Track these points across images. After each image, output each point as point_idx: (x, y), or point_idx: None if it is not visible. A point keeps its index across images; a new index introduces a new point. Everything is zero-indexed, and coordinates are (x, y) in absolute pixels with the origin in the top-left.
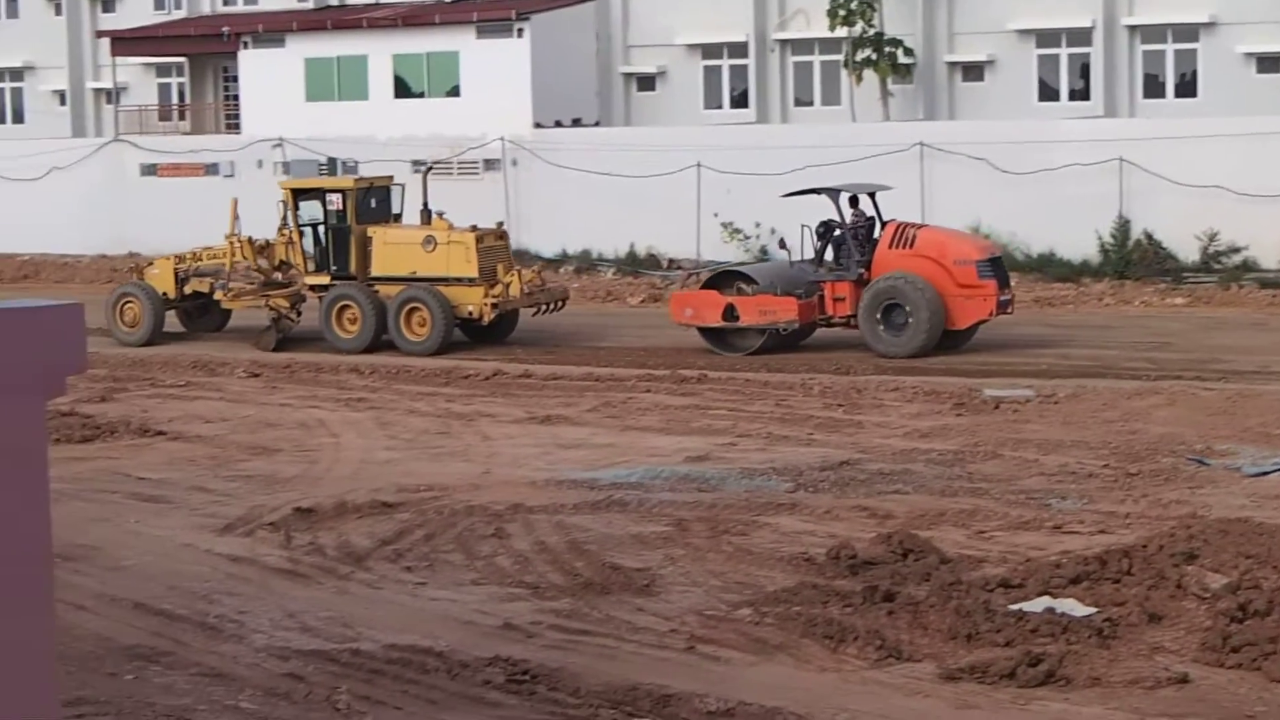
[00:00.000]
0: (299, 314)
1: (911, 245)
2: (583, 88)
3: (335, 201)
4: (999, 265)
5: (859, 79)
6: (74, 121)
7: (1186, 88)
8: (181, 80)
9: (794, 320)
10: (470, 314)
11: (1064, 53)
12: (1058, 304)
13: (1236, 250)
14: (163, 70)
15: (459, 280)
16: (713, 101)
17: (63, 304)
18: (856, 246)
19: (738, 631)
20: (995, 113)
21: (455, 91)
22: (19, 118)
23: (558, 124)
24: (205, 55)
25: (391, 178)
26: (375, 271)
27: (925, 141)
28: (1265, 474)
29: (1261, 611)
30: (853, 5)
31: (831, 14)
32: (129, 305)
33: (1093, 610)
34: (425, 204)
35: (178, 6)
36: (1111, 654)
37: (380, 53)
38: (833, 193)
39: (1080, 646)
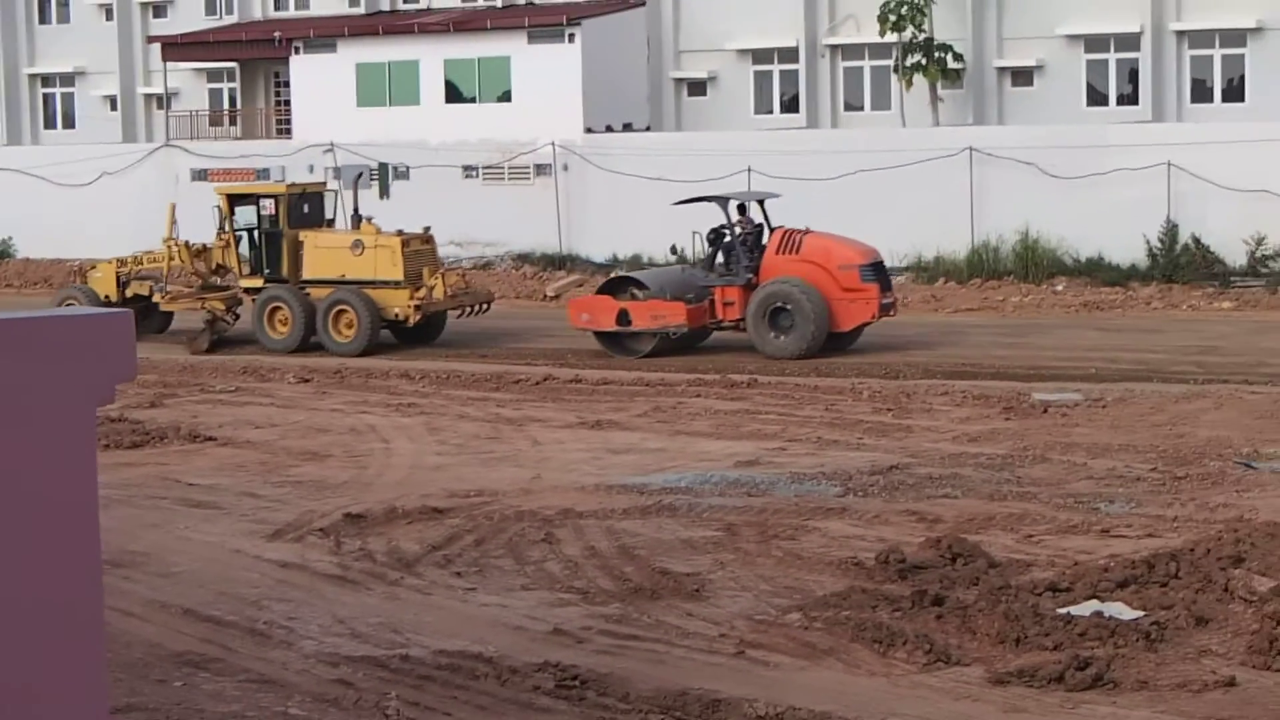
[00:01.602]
0: (236, 316)
1: (798, 251)
2: (634, 93)
3: (268, 207)
4: (881, 269)
5: (909, 84)
6: (125, 127)
7: (1234, 93)
8: (232, 85)
9: (683, 325)
10: (396, 316)
11: (1112, 58)
12: (1106, 308)
13: None
14: (214, 75)
15: (385, 283)
16: (763, 106)
17: (112, 312)
18: (745, 252)
19: (787, 636)
20: (1044, 118)
21: (507, 96)
22: (70, 123)
23: (609, 129)
24: (256, 60)
25: (324, 184)
26: (306, 275)
27: (975, 146)
28: None
29: None
30: (903, 10)
31: (882, 19)
32: (70, 307)
33: (1140, 614)
34: (355, 209)
35: (229, 12)
36: (1159, 657)
37: (432, 58)
38: (722, 200)
39: (1128, 650)
